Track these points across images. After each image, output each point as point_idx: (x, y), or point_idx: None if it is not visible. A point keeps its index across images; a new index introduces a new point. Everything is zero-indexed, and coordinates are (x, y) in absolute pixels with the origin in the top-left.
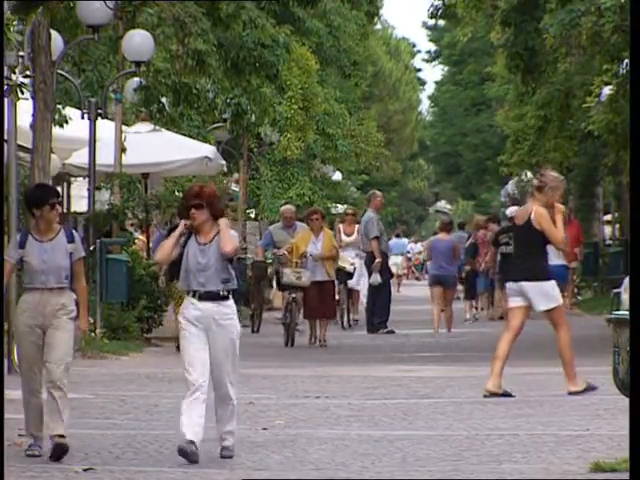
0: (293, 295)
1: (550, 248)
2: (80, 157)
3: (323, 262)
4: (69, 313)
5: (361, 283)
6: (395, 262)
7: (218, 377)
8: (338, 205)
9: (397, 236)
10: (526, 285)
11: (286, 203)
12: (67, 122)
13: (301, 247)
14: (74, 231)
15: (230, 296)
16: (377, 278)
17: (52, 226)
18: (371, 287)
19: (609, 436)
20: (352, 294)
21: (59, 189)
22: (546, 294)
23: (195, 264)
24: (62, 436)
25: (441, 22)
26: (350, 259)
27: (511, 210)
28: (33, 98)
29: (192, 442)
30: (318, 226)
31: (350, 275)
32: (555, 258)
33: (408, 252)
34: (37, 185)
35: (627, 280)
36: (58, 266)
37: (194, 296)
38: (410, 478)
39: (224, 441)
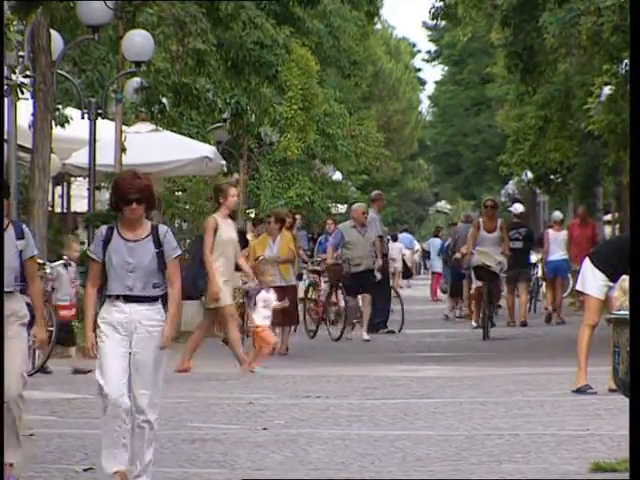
0: (241, 301)
1: (552, 242)
2: (80, 157)
3: (279, 267)
4: (21, 319)
5: None
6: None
7: (136, 395)
8: (338, 205)
9: (405, 231)
10: None
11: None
12: (67, 122)
13: (258, 251)
14: (25, 226)
15: (161, 300)
16: (377, 275)
17: None
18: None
19: (609, 436)
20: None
21: (59, 188)
22: None
23: (123, 264)
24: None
25: (441, 22)
26: (496, 257)
27: (515, 207)
28: (33, 98)
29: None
30: (273, 229)
31: (496, 275)
32: (555, 252)
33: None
34: None
35: (621, 280)
36: (5, 267)
37: (118, 299)
38: (410, 478)
39: (138, 478)
